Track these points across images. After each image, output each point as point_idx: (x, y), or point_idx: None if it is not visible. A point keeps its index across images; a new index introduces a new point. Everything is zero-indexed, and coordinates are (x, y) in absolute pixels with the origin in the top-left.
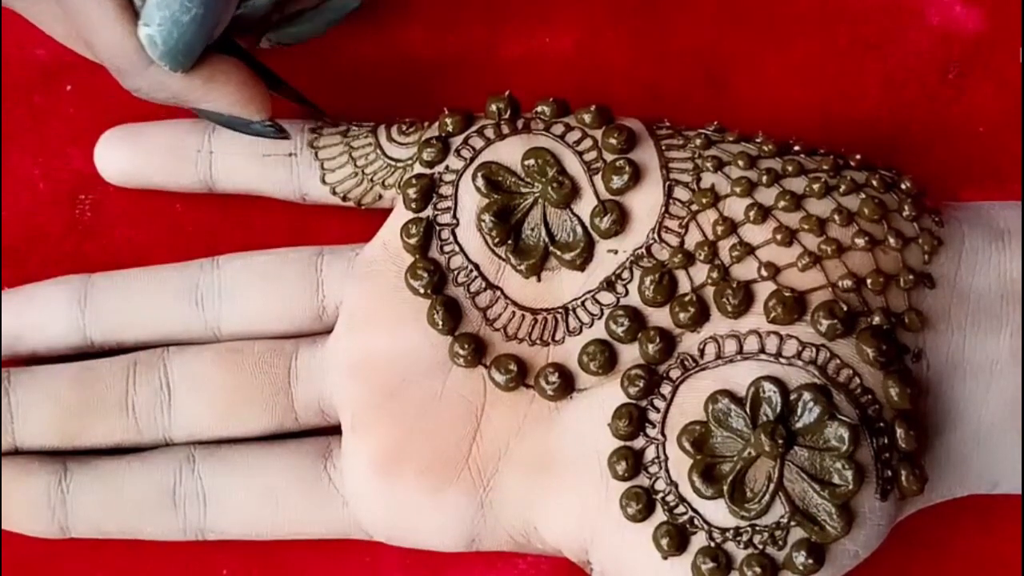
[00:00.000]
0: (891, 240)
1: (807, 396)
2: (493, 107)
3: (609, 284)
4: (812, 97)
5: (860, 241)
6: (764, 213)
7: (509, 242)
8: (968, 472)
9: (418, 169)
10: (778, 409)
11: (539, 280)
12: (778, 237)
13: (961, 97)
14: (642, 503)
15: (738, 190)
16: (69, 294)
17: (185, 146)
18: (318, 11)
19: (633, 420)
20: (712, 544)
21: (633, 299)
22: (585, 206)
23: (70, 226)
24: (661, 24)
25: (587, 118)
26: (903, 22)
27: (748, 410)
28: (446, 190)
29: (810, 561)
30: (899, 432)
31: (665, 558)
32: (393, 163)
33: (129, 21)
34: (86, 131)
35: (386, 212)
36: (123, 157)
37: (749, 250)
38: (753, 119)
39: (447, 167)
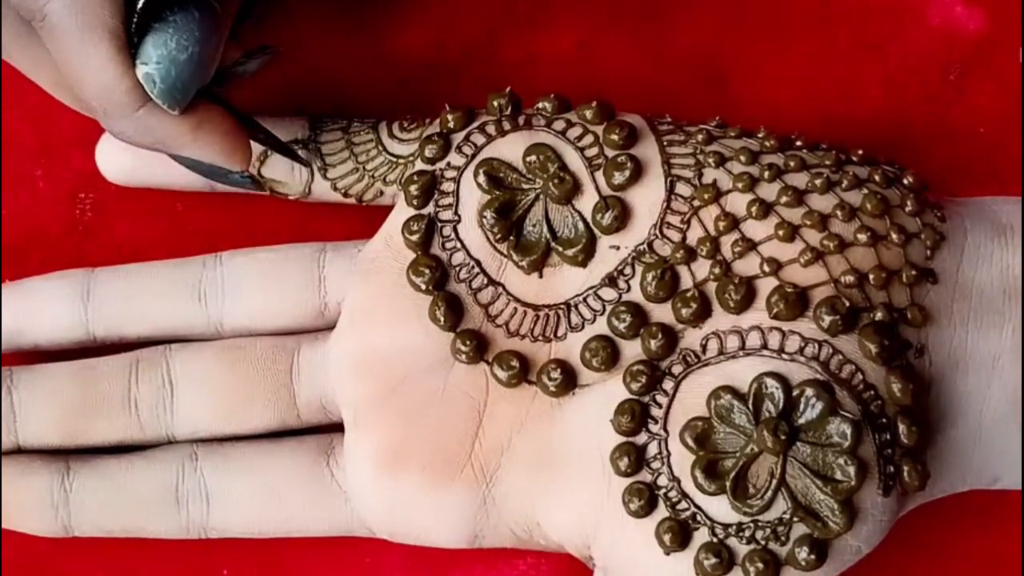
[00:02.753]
0: (893, 235)
1: (809, 392)
2: (494, 103)
3: (611, 280)
4: (812, 98)
5: (862, 237)
6: (766, 209)
7: (511, 238)
8: (969, 467)
9: (419, 166)
10: (780, 405)
11: (541, 276)
12: (780, 233)
13: (962, 98)
14: (644, 499)
15: (740, 186)
16: (72, 288)
17: None
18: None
19: (635, 416)
20: (714, 540)
21: (635, 295)
22: (587, 202)
23: (70, 225)
24: (661, 25)
25: (588, 114)
26: (903, 22)
27: (751, 406)
28: (448, 187)
29: (812, 557)
30: (901, 428)
31: (667, 554)
32: (394, 159)
33: (124, 62)
34: (86, 131)
35: (387, 209)
36: (124, 156)
37: (751, 246)
38: (753, 120)
39: (448, 163)
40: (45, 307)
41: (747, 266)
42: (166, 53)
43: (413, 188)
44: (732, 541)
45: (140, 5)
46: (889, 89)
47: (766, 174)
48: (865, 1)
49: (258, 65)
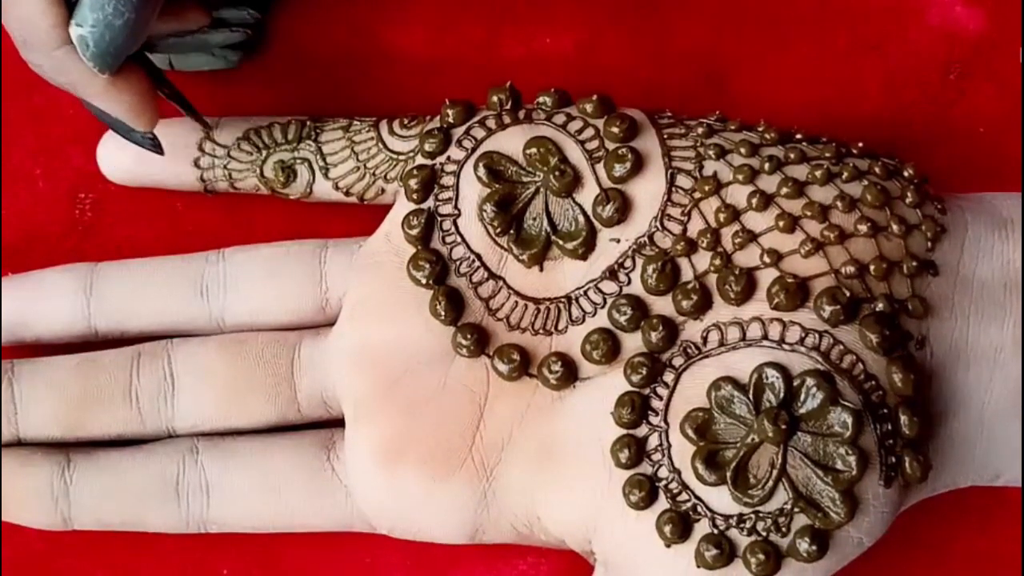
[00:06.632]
0: (894, 227)
1: (810, 382)
2: (495, 98)
3: (611, 273)
4: (812, 98)
5: (863, 228)
6: (766, 200)
7: (511, 232)
8: (971, 461)
9: (419, 160)
10: (781, 395)
11: (541, 270)
12: (780, 224)
13: (962, 98)
14: (645, 491)
15: (740, 177)
16: (75, 282)
17: (188, 144)
18: (203, 42)
19: (636, 408)
20: (715, 531)
21: (636, 288)
22: (587, 195)
23: (70, 225)
24: (661, 24)
25: (589, 108)
26: (903, 22)
27: (751, 396)
28: (447, 180)
29: (813, 548)
30: (902, 418)
31: (668, 546)
32: (395, 156)
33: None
34: (86, 130)
35: (388, 208)
36: (126, 156)
37: (751, 237)
38: (753, 119)
39: (448, 157)
40: (48, 300)
41: (748, 257)
42: (102, 17)
43: (413, 182)
44: (733, 532)
45: None
46: (889, 89)
47: (766, 166)
48: (865, 1)
49: (223, 40)
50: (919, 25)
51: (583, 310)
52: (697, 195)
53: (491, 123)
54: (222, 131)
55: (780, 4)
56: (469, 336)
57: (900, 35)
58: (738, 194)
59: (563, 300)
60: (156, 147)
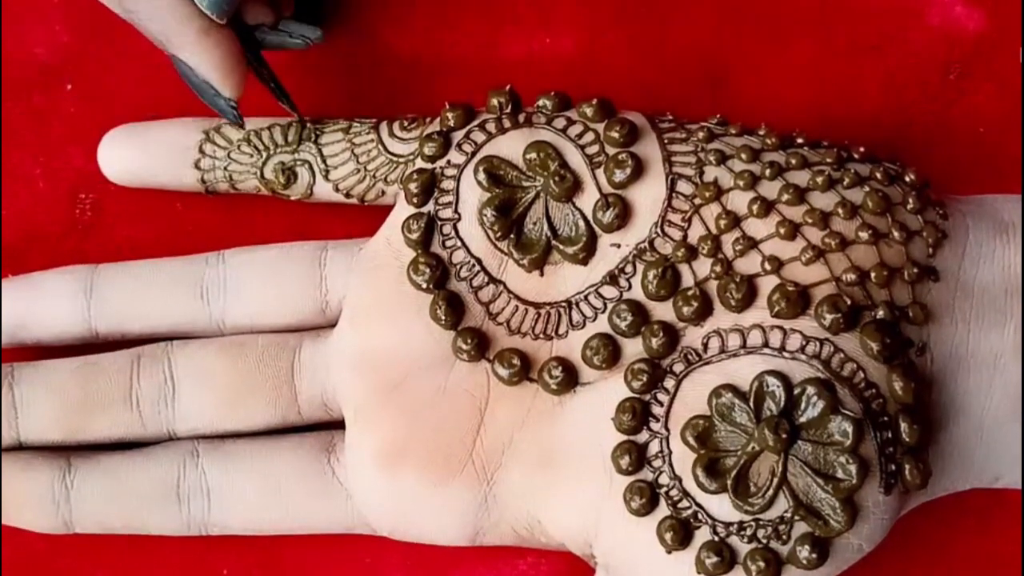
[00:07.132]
0: (895, 233)
1: (811, 390)
2: (494, 101)
3: (612, 278)
4: (812, 98)
5: (864, 234)
6: (767, 207)
7: (511, 236)
8: (971, 465)
9: (419, 164)
10: (782, 403)
11: (542, 274)
12: (781, 231)
13: (962, 98)
14: (646, 497)
15: (741, 183)
16: (75, 284)
17: (189, 146)
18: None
19: (636, 414)
20: (716, 538)
21: (636, 293)
22: (587, 200)
23: (70, 226)
24: (661, 24)
25: (589, 112)
26: (903, 22)
27: (752, 404)
28: (447, 184)
29: (814, 555)
30: (903, 426)
31: (669, 552)
32: (395, 159)
33: None
34: (86, 130)
35: (389, 209)
36: (127, 156)
37: (752, 244)
38: (753, 120)
39: (448, 161)
40: (48, 302)
41: (748, 264)
42: None
43: (413, 186)
44: (733, 540)
45: None
46: (889, 89)
47: (767, 172)
48: (865, 1)
49: (278, 43)
50: (919, 25)
51: (584, 315)
52: (698, 201)
53: (491, 127)
54: (223, 133)
55: (780, 4)
56: (469, 340)
57: (900, 35)
58: (739, 200)
59: (563, 305)
60: (238, 118)
